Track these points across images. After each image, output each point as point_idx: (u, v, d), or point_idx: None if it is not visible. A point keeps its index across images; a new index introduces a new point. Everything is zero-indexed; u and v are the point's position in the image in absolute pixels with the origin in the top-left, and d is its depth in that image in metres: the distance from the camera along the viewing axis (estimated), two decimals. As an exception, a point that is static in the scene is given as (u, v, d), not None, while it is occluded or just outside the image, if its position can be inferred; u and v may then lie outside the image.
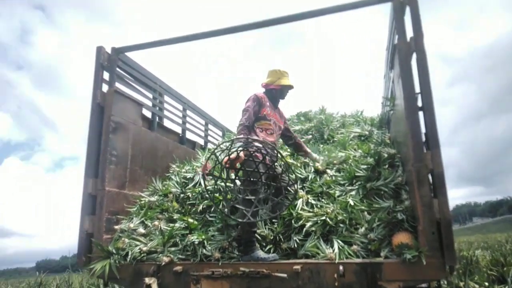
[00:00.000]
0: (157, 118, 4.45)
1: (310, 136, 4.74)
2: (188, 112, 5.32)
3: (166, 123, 4.80)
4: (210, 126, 6.08)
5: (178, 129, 5.09)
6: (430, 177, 2.50)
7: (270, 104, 3.25)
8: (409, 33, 2.85)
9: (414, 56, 2.73)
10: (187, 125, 5.28)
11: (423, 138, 2.60)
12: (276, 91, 3.29)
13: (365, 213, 2.87)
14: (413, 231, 2.58)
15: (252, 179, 2.80)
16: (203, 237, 2.95)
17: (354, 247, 2.64)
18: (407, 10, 2.90)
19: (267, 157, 2.89)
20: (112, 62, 3.70)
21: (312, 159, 3.66)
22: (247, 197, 2.74)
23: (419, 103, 2.63)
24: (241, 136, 2.90)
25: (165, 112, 4.75)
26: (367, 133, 4.46)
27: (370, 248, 2.63)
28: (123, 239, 3.16)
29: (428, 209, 2.43)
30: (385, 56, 4.07)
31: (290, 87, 3.32)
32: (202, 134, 5.76)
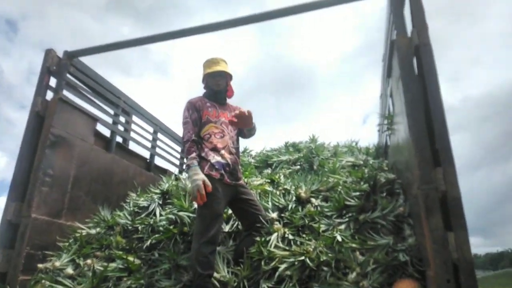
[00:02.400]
0: (116, 137, 3.82)
1: (298, 167, 4.22)
2: (160, 136, 4.70)
3: (132, 146, 4.18)
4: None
5: (146, 154, 4.46)
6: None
7: (211, 103, 2.62)
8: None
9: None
10: (157, 150, 4.63)
11: (431, 155, 1.99)
12: (208, 87, 2.67)
13: (357, 252, 2.19)
14: (421, 278, 1.98)
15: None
16: (142, 281, 2.23)
17: (342, 299, 1.96)
18: (407, 3, 2.41)
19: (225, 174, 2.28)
20: (61, 67, 3.16)
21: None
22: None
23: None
24: (193, 155, 2.33)
25: (131, 133, 4.14)
26: (361, 162, 3.90)
27: (363, 301, 1.95)
28: (43, 281, 2.43)
29: (441, 247, 1.80)
30: (381, 68, 3.54)
31: (213, 74, 2.60)
32: (177, 162, 5.10)
